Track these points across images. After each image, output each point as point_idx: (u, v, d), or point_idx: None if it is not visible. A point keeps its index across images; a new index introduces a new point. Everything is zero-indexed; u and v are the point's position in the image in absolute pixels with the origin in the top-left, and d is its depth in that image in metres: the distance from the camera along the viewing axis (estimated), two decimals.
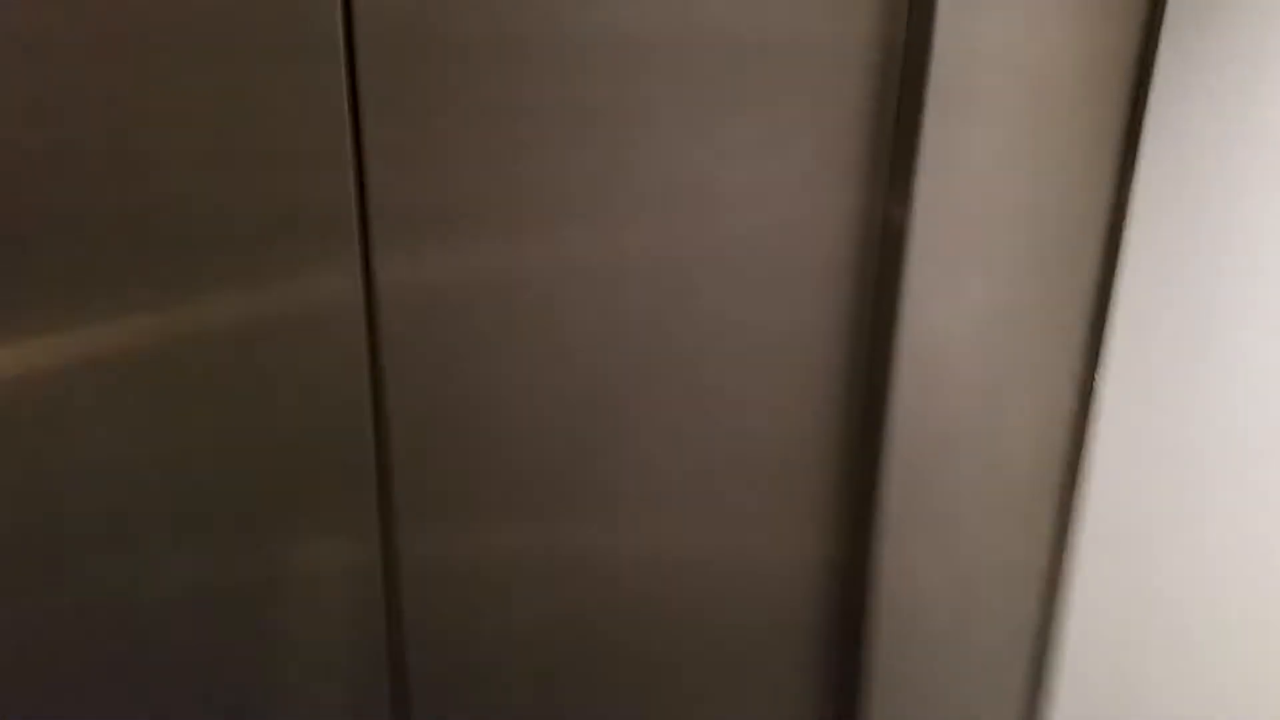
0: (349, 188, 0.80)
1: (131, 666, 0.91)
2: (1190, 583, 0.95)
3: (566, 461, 0.92)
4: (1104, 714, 1.03)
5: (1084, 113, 0.88)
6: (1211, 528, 0.92)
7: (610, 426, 0.92)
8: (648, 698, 1.03)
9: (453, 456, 0.90)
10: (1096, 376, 0.95)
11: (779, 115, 0.85)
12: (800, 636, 1.03)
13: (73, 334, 0.80)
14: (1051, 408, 0.97)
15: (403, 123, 0.79)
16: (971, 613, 1.04)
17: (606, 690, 1.01)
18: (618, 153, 0.84)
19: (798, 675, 1.05)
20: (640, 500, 0.95)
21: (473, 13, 0.78)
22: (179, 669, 0.91)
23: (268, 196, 0.79)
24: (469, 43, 0.79)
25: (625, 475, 0.94)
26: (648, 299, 0.89)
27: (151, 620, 0.89)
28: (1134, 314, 0.92)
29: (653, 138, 0.85)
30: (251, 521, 0.88)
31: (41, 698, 0.90)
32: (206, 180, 0.77)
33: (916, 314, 0.89)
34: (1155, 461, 0.95)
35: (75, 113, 0.75)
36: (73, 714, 0.91)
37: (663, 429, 0.93)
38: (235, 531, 0.88)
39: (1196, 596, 0.94)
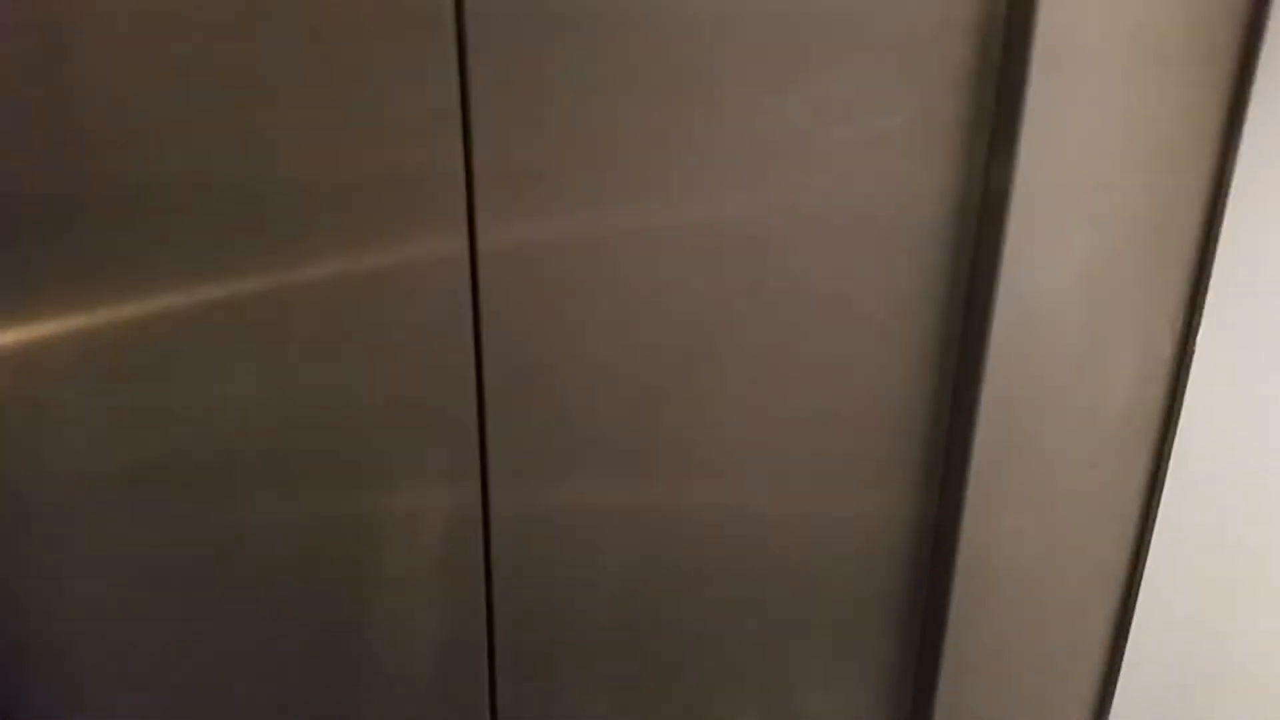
0: (458, 154, 0.81)
1: (239, 602, 0.96)
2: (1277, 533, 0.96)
3: (657, 418, 0.94)
4: (1182, 672, 1.04)
5: (1190, 72, 0.86)
6: None
7: (701, 384, 0.94)
8: (730, 651, 1.06)
9: (546, 411, 0.92)
10: (1194, 332, 0.94)
11: (879, 74, 0.84)
12: (885, 591, 1.05)
13: (196, 289, 0.84)
14: (1147, 363, 0.97)
15: (507, 91, 0.80)
16: (1057, 566, 1.05)
17: (688, 643, 1.04)
18: (715, 116, 0.85)
19: (880, 631, 1.07)
20: (729, 457, 0.97)
21: None
22: (284, 605, 0.96)
23: (379, 162, 0.81)
24: (571, 13, 0.79)
25: (715, 432, 0.96)
26: (741, 259, 0.90)
27: (260, 558, 0.94)
28: (1233, 270, 0.91)
29: (750, 100, 0.85)
30: (358, 468, 0.91)
31: (155, 627, 0.95)
32: (321, 146, 0.79)
33: (1015, 273, 0.89)
34: (1249, 417, 0.95)
35: (199, 85, 0.77)
36: (184, 643, 0.96)
37: (753, 387, 0.95)
38: (342, 478, 0.92)
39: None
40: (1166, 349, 0.96)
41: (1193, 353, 0.95)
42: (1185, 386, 0.96)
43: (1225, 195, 0.89)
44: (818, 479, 0.99)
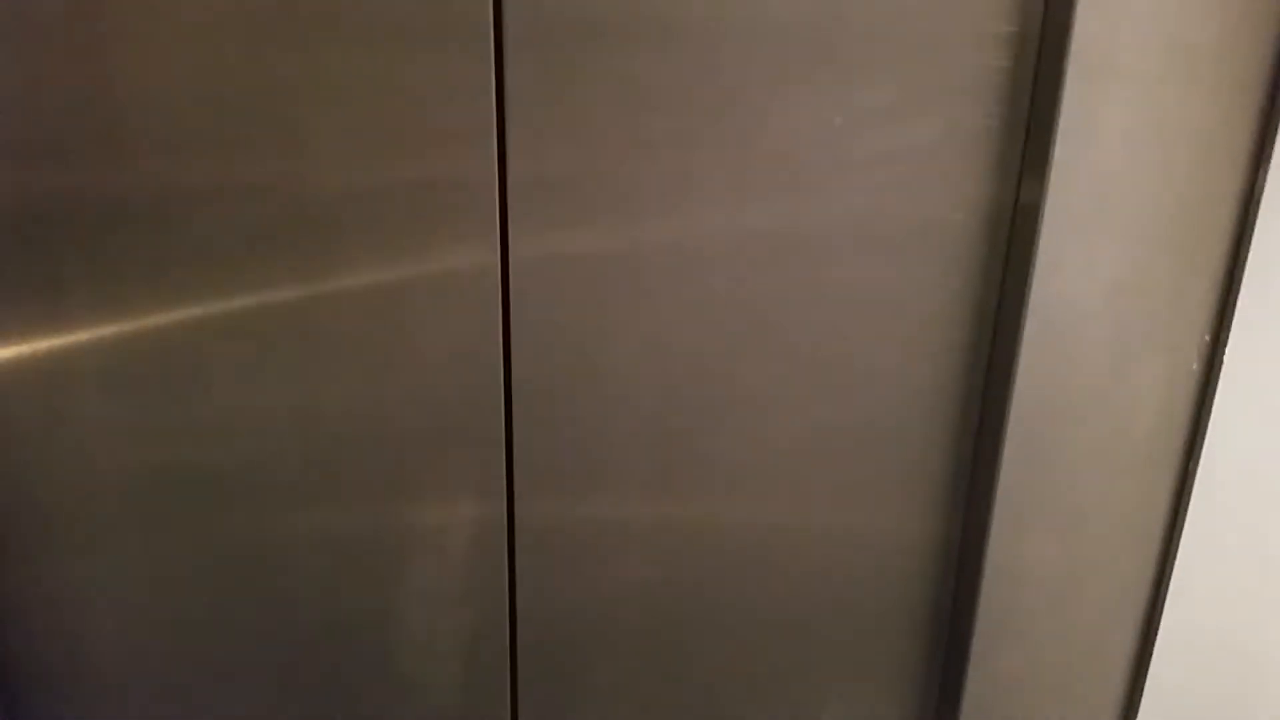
0: (492, 164, 0.81)
1: (263, 613, 0.94)
2: None
3: (683, 432, 0.93)
4: (1207, 691, 1.04)
5: (1222, 85, 0.86)
6: None
7: (728, 398, 0.93)
8: (751, 668, 1.05)
9: (573, 425, 0.91)
10: (1222, 346, 0.94)
11: (913, 84, 0.84)
12: (910, 608, 1.04)
13: (225, 298, 0.83)
14: (1174, 378, 0.96)
15: (543, 103, 0.80)
16: (1082, 584, 1.04)
17: (710, 659, 1.03)
18: (749, 126, 0.84)
19: (904, 649, 1.06)
20: (754, 472, 0.96)
21: None
22: (308, 617, 0.95)
23: (413, 171, 0.80)
24: (608, 27, 0.79)
25: (740, 447, 0.95)
26: (770, 270, 0.89)
27: (285, 570, 0.92)
28: (1262, 284, 0.91)
29: (783, 111, 0.85)
30: (387, 477, 0.90)
31: (178, 636, 0.94)
32: (357, 154, 0.79)
33: (1045, 286, 0.89)
34: (1276, 432, 0.95)
35: (233, 92, 0.76)
36: (207, 653, 0.94)
37: (779, 401, 0.94)
38: (369, 490, 0.91)
39: None
40: (1193, 363, 0.96)
41: (1220, 367, 0.95)
42: (1213, 401, 0.96)
43: (1256, 209, 0.89)
44: (843, 495, 0.98)
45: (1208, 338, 0.95)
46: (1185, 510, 1.01)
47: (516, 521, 0.93)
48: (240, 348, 0.84)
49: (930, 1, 0.83)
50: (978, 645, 1.02)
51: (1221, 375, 0.95)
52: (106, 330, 0.83)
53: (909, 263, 0.91)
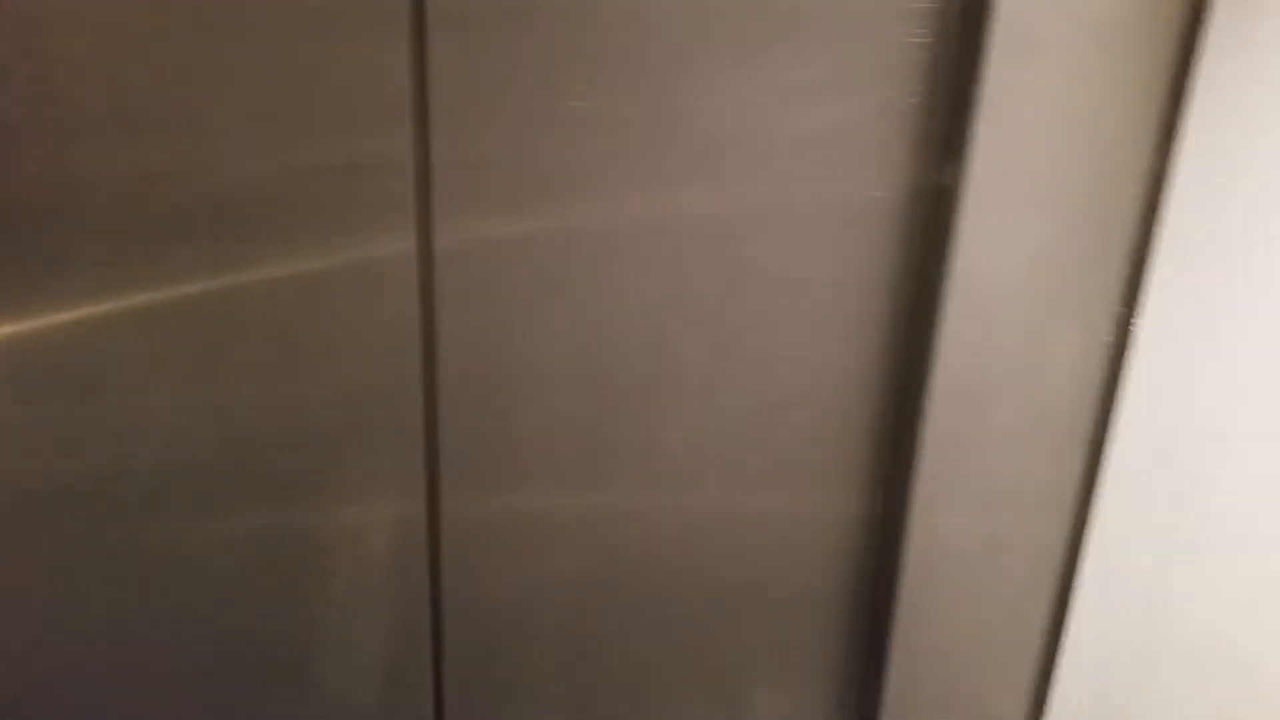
0: (411, 148, 0.78)
1: (176, 622, 0.90)
2: (1217, 516, 0.98)
3: (612, 421, 0.92)
4: (1124, 650, 1.06)
5: (1136, 61, 0.88)
6: (1241, 462, 0.95)
7: (656, 385, 0.92)
8: (681, 654, 1.04)
9: (499, 414, 0.89)
10: (1135, 315, 0.96)
11: (836, 64, 0.84)
12: (834, 588, 1.05)
13: (128, 293, 0.78)
14: (1089, 353, 0.98)
15: (466, 84, 0.77)
16: (1000, 557, 1.06)
17: (640, 648, 1.03)
18: (670, 107, 0.83)
19: (830, 629, 1.07)
20: (681, 458, 0.96)
21: None
22: (222, 619, 0.91)
23: (328, 156, 0.77)
24: (532, 5, 0.77)
25: (669, 434, 0.94)
26: (696, 255, 0.88)
27: (196, 569, 0.88)
28: (1173, 261, 0.94)
29: (705, 90, 0.83)
30: (302, 475, 0.87)
31: (88, 642, 0.89)
32: (266, 139, 0.75)
33: (966, 264, 0.89)
34: (1188, 406, 0.97)
35: (133, 76, 0.72)
36: (116, 665, 0.90)
37: (706, 386, 0.93)
38: (286, 491, 0.87)
39: (1223, 529, 0.98)
40: (1108, 338, 0.98)
41: (1132, 342, 0.97)
42: (1125, 375, 0.98)
43: (1166, 185, 0.91)
44: (770, 478, 0.98)
45: (1122, 311, 0.97)
46: (1097, 485, 1.03)
47: (442, 518, 0.91)
48: (144, 344, 0.80)
49: None
50: (900, 623, 1.03)
51: (1135, 350, 0.97)
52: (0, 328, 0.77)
53: (831, 242, 0.91)
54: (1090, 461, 1.03)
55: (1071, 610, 1.08)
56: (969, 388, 0.96)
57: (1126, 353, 0.97)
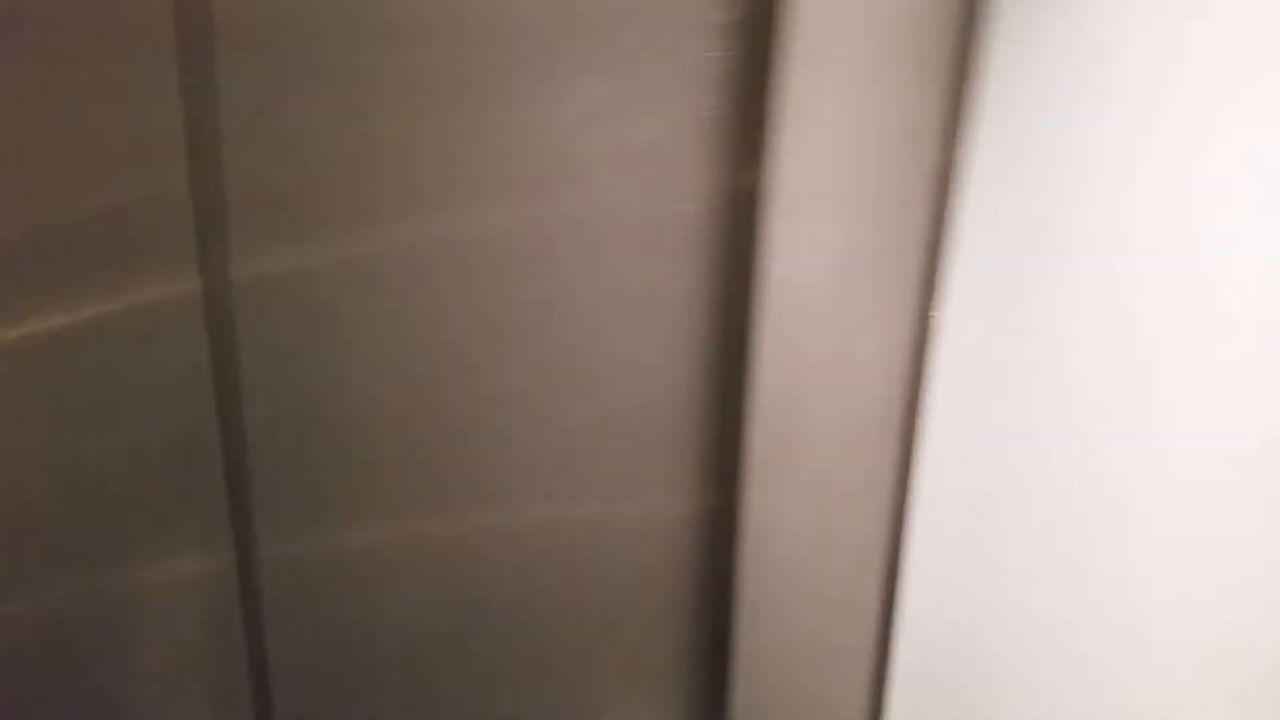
0: (196, 182, 0.75)
1: None
2: (1026, 493, 1.04)
3: (436, 447, 0.91)
4: (951, 624, 1.12)
5: (922, 61, 0.92)
6: (1045, 441, 1.01)
7: (479, 407, 0.91)
8: (524, 676, 1.04)
9: (314, 454, 0.87)
10: (936, 310, 1.01)
11: (640, 78, 0.85)
12: (675, 593, 1.06)
13: None
14: (896, 347, 1.03)
15: (259, 111, 0.75)
16: (828, 540, 1.10)
17: (485, 671, 1.02)
18: (471, 127, 0.83)
19: (673, 634, 1.08)
20: (512, 479, 0.95)
21: None
22: (36, 683, 0.86)
23: (106, 195, 0.73)
24: (327, 25, 0.75)
25: (496, 455, 0.94)
26: (511, 271, 0.88)
27: (4, 636, 0.83)
28: (972, 249, 0.98)
29: (506, 109, 0.84)
30: (95, 541, 0.83)
31: None
32: (36, 184, 0.71)
33: (775, 267, 0.92)
34: (993, 386, 1.02)
35: None
36: None
37: (531, 404, 0.94)
38: (77, 553, 0.83)
39: (1038, 510, 1.04)
40: (913, 333, 1.02)
41: (936, 335, 1.02)
42: (931, 367, 1.03)
43: (957, 182, 0.96)
44: (603, 489, 0.99)
45: (923, 305, 1.01)
46: (915, 470, 1.08)
47: (259, 570, 0.88)
48: None
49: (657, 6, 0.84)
50: (742, 618, 1.06)
51: (939, 340, 1.02)
52: None
53: (645, 255, 0.92)
54: (904, 452, 1.07)
55: (902, 598, 1.13)
56: (788, 387, 0.99)
57: (931, 346, 1.02)
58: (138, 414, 0.79)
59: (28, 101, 0.69)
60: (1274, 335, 0.81)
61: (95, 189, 0.72)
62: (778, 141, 0.88)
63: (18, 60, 0.67)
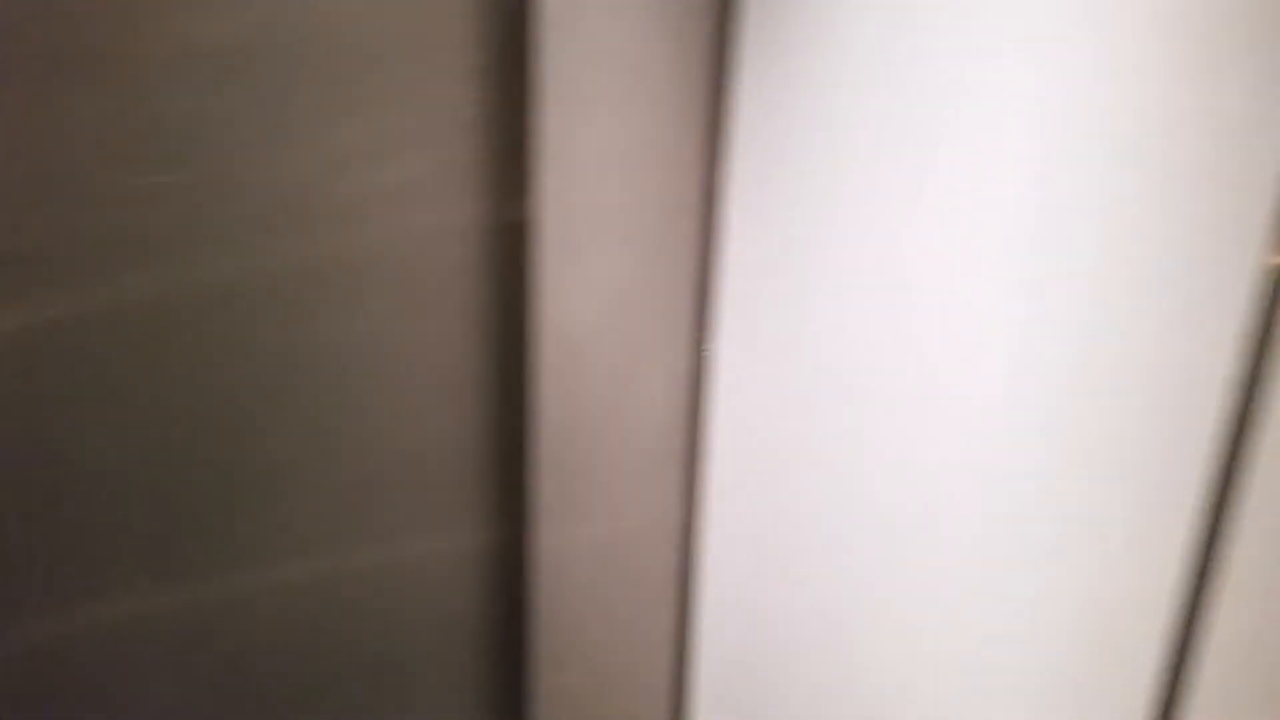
0: None
1: None
2: (805, 511, 1.07)
3: (193, 508, 0.87)
4: (745, 646, 1.14)
5: (676, 99, 0.94)
6: (819, 461, 1.04)
7: (241, 461, 0.88)
8: None
9: (64, 531, 0.82)
10: (710, 344, 1.04)
11: (391, 122, 0.84)
12: (469, 628, 1.05)
13: None
14: (674, 376, 1.05)
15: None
16: (621, 570, 1.11)
17: None
18: (221, 173, 0.80)
19: (473, 673, 1.07)
20: (283, 533, 0.93)
21: (42, 26, 0.70)
22: None
23: None
24: (32, 61, 0.71)
25: (261, 510, 0.91)
26: (274, 320, 0.86)
27: None
28: (740, 284, 1.01)
29: (258, 154, 0.82)
30: None
31: None
32: None
33: (549, 306, 0.93)
34: (768, 414, 1.05)
35: None
36: None
37: (298, 454, 0.91)
38: None
39: (811, 524, 1.07)
40: (689, 362, 1.05)
41: (711, 363, 1.04)
42: (709, 393, 1.06)
43: (719, 216, 0.99)
44: (388, 534, 0.97)
45: (698, 335, 1.04)
46: (702, 494, 1.10)
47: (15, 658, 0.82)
48: None
49: (406, 39, 0.83)
50: (540, 647, 1.06)
51: (715, 367, 1.04)
52: None
53: (418, 297, 0.91)
54: (689, 479, 1.09)
55: (697, 623, 1.15)
56: (570, 422, 1.00)
57: (707, 373, 1.04)
58: None
59: None
60: (1028, 345, 0.86)
61: None
62: (543, 184, 0.89)
63: None
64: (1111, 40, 0.78)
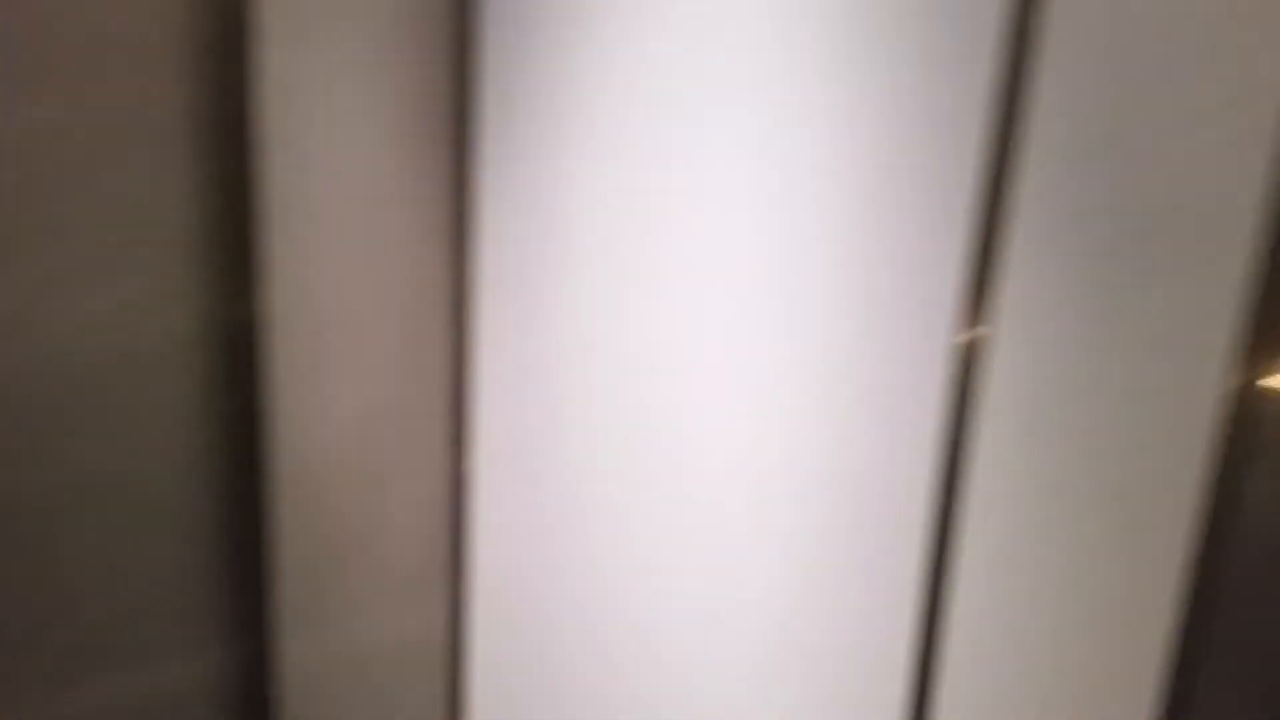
0: None
1: None
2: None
3: None
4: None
5: (415, 211, 0.92)
6: (586, 570, 1.02)
7: None
8: None
9: None
10: (467, 456, 1.00)
11: (101, 247, 0.80)
12: None
13: None
14: (431, 491, 1.01)
15: None
16: (373, 688, 1.05)
17: None
18: None
19: None
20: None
21: None
22: None
23: None
24: None
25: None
26: None
27: None
28: (494, 395, 0.99)
29: None
30: None
31: None
32: None
33: (288, 426, 0.88)
34: (529, 524, 1.03)
35: None
36: None
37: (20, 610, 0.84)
38: None
39: (583, 638, 1.04)
40: (446, 475, 1.01)
41: (470, 476, 1.01)
42: (469, 508, 1.02)
43: (469, 322, 0.96)
44: (126, 658, 0.90)
45: (455, 448, 1.01)
46: (466, 615, 1.06)
47: None
48: None
49: (121, 170, 0.79)
50: None
51: (472, 484, 1.01)
52: None
53: (141, 429, 0.86)
54: (453, 591, 1.05)
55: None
56: (316, 542, 0.95)
57: (467, 485, 1.01)
58: None
59: None
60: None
61: None
62: (278, 307, 0.85)
63: None
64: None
